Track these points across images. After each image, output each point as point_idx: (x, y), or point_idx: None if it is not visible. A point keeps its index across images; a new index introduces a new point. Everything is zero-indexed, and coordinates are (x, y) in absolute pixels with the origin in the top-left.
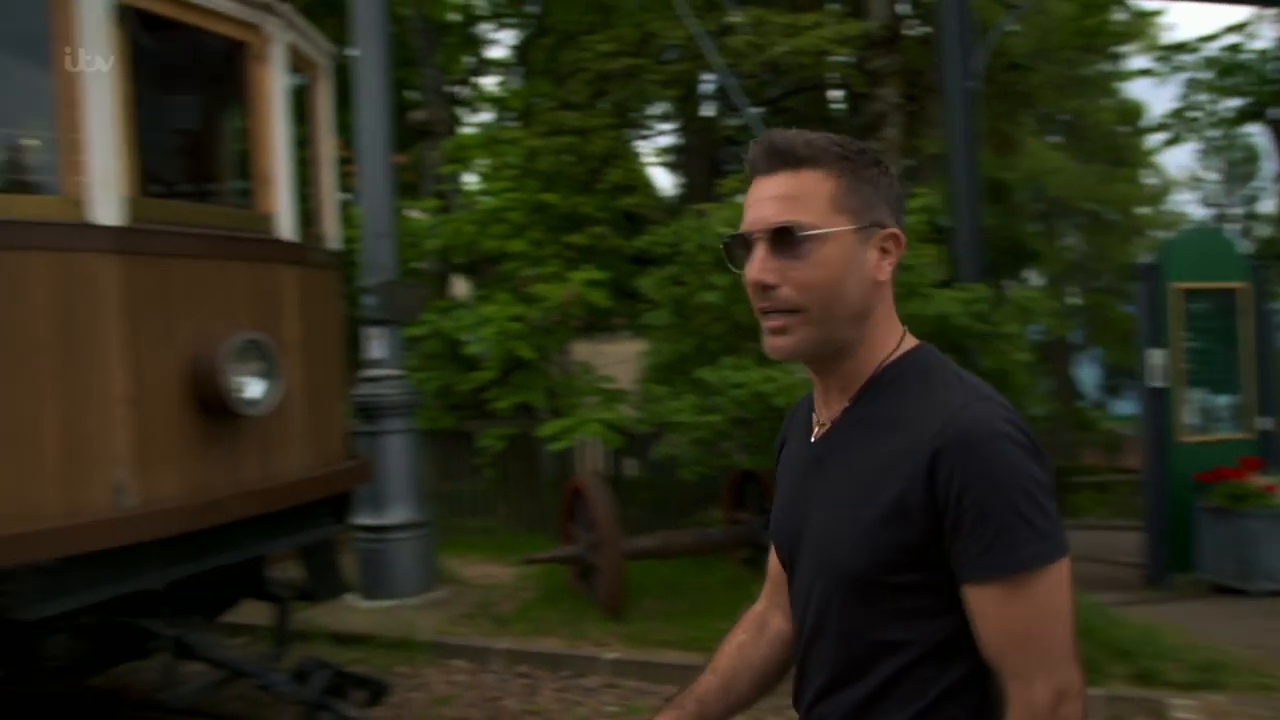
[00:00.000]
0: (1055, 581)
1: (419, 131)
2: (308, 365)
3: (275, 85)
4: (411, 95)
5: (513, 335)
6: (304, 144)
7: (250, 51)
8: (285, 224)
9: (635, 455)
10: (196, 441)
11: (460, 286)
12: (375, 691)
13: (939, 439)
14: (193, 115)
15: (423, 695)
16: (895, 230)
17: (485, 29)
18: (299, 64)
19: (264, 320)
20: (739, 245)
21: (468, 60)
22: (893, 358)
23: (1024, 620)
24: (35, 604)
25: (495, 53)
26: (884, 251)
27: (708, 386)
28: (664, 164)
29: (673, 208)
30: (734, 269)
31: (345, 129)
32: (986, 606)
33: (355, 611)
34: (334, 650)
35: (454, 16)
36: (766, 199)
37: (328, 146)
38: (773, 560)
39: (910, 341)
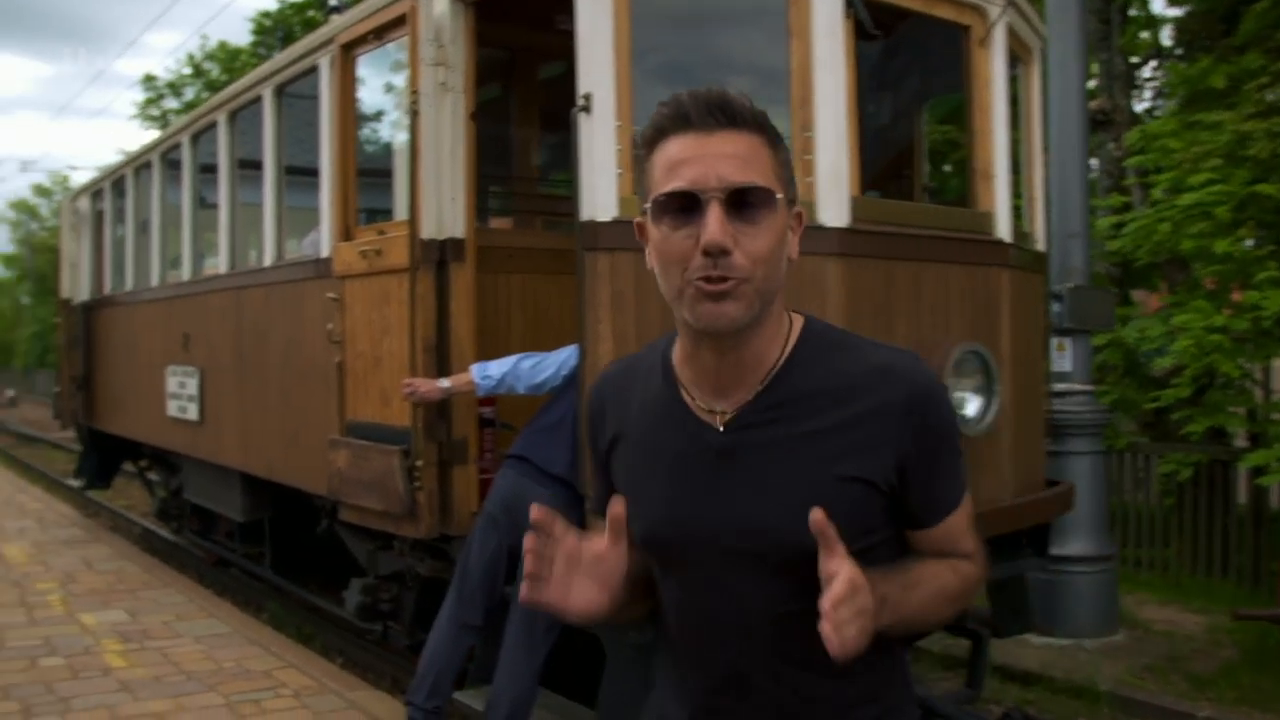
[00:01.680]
0: None
1: (1096, 122)
2: (1015, 380)
3: (997, 73)
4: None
5: (1213, 349)
6: (1013, 136)
7: (972, 36)
8: (1003, 224)
9: None
10: None
11: (1142, 293)
12: None
13: (909, 398)
14: (899, 107)
15: None
16: (801, 209)
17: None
18: (1014, 48)
19: (980, 330)
20: (673, 205)
21: (1144, 38)
22: (795, 335)
23: (969, 519)
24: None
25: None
26: (793, 229)
27: None
28: None
29: None
30: (660, 228)
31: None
32: (958, 522)
33: (1026, 647)
34: (1000, 687)
35: None
36: (716, 156)
37: (1038, 139)
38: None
39: (796, 317)
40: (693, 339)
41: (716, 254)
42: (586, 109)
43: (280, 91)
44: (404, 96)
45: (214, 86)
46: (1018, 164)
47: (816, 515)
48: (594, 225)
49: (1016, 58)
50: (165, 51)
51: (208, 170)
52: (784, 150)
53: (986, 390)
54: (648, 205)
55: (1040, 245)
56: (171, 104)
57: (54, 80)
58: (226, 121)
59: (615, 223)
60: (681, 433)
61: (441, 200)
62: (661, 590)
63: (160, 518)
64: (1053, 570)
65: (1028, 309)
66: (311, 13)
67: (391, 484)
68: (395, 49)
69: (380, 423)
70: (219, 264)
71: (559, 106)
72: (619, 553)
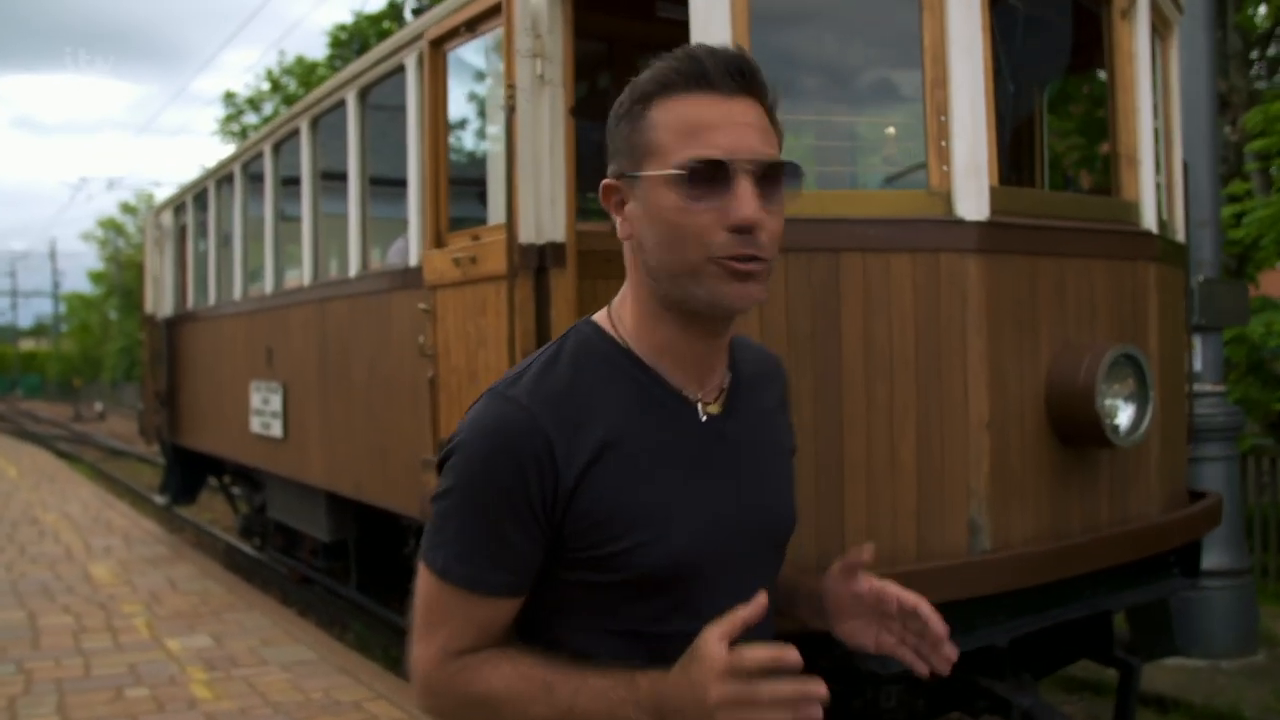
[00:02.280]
0: None
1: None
2: (1162, 384)
3: (1141, 47)
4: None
5: None
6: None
7: (1115, 7)
8: (1149, 213)
9: None
10: (1052, 475)
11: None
12: None
13: (780, 377)
14: (1020, 88)
15: None
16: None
17: None
18: (1154, 21)
19: (1126, 330)
20: (700, 174)
21: (1260, 15)
22: None
23: None
24: (886, 657)
25: None
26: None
27: None
28: None
29: None
30: (675, 195)
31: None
32: None
33: (1159, 669)
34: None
35: None
36: (744, 125)
37: (1178, 120)
38: (503, 621)
39: None
40: (682, 322)
41: (748, 232)
42: None
43: (364, 94)
44: (498, 92)
45: (291, 100)
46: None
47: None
48: None
49: (1155, 31)
50: (242, 68)
51: (290, 181)
52: (778, 123)
53: (1141, 398)
54: (641, 171)
55: (1180, 235)
56: (251, 119)
57: (138, 100)
58: (309, 128)
59: None
60: (685, 432)
61: (540, 202)
62: (616, 627)
63: (244, 534)
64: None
65: (1172, 305)
66: (387, 24)
67: None
68: (488, 42)
69: None
70: (302, 276)
71: None
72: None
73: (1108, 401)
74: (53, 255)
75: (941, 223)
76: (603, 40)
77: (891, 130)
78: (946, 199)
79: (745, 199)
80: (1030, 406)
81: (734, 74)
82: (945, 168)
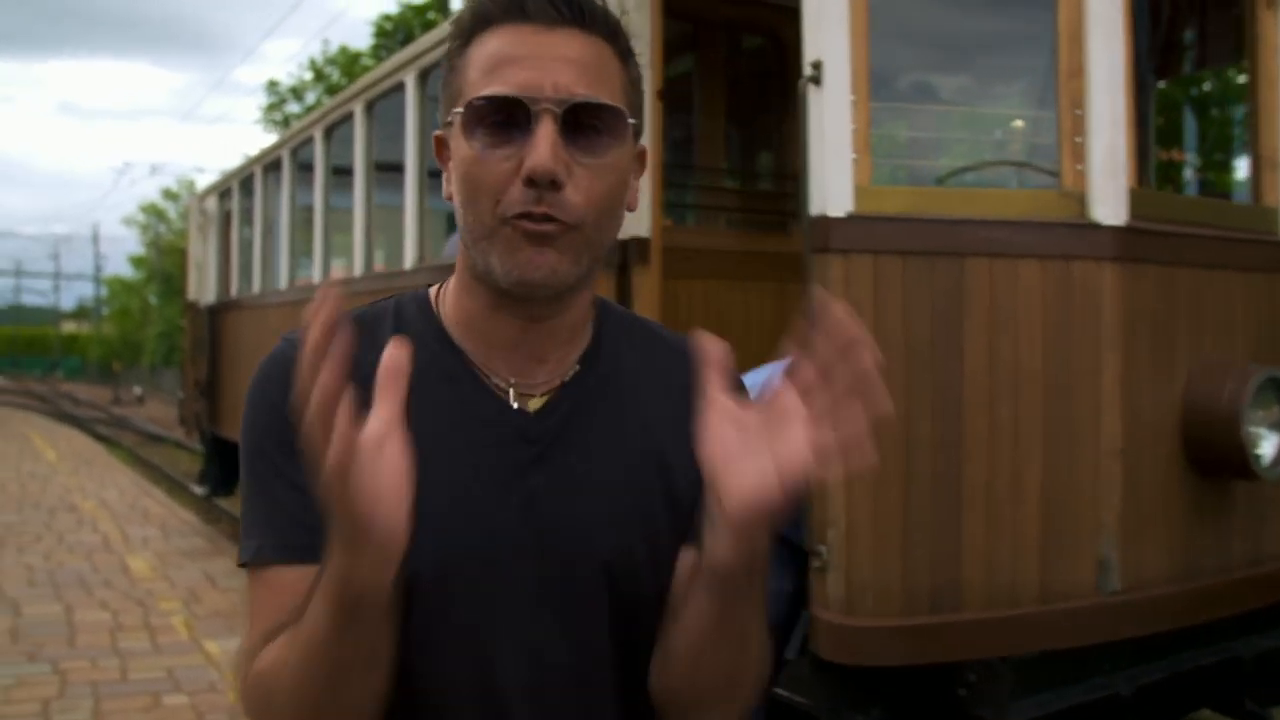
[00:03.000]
0: None
1: None
2: None
3: None
4: None
5: None
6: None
7: None
8: None
9: None
10: (1185, 508)
11: None
12: None
13: (687, 383)
14: (1140, 81)
15: None
16: (645, 148)
17: None
18: None
19: (1264, 349)
20: (490, 114)
21: None
22: (595, 300)
23: None
24: (1004, 705)
25: None
26: (634, 173)
27: None
28: None
29: None
30: (471, 144)
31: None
32: None
33: None
34: None
35: None
36: (556, 60)
37: None
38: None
39: None
40: (491, 298)
41: (544, 185)
42: (816, 79)
43: (425, 76)
44: None
45: (334, 90)
46: None
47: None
48: (825, 222)
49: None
50: (284, 59)
51: (341, 170)
52: (636, 68)
53: None
54: (452, 115)
55: None
56: (293, 108)
57: (179, 88)
58: (363, 113)
59: (851, 219)
60: (475, 418)
61: None
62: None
63: None
64: None
65: None
66: (431, 15)
67: None
68: None
69: None
70: (353, 265)
71: (750, 88)
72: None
73: (1252, 429)
74: (95, 239)
75: (1075, 227)
76: (687, 20)
77: (1019, 123)
78: (1080, 201)
79: (540, 144)
80: (1165, 432)
81: (554, 1)
82: (1080, 166)
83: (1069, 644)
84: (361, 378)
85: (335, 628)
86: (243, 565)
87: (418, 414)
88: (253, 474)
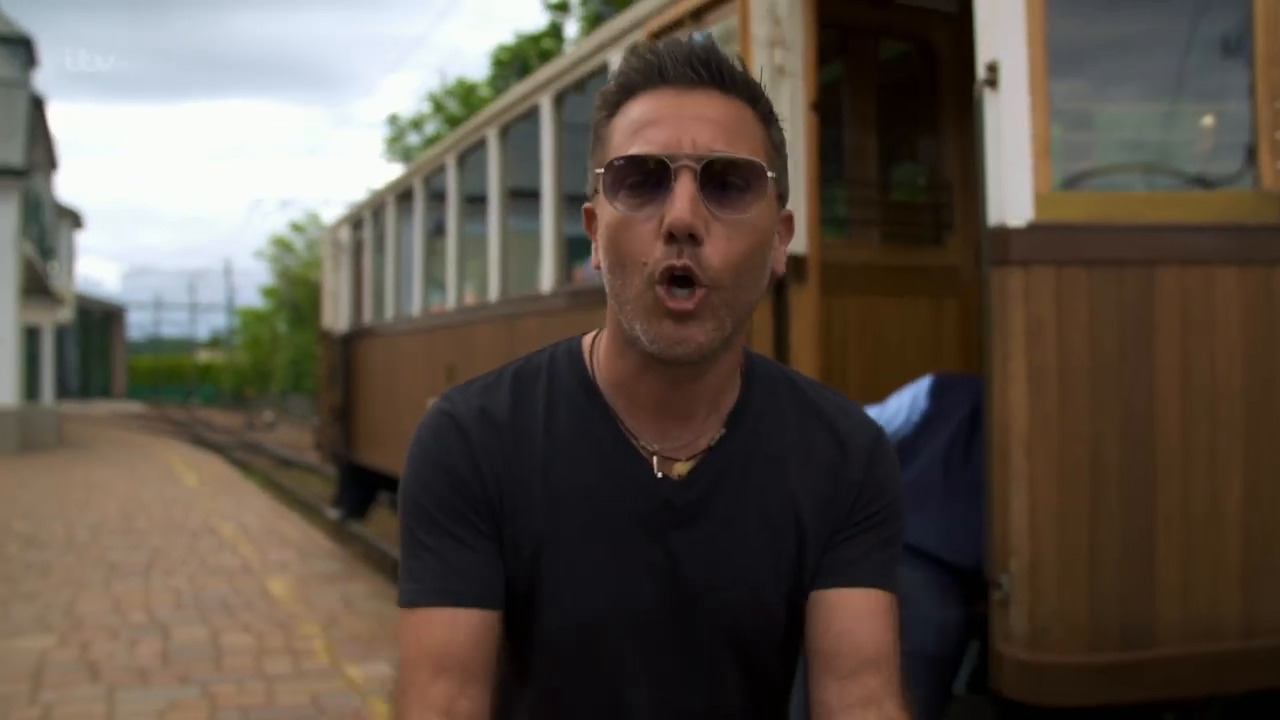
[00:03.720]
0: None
1: None
2: None
3: None
4: None
5: None
6: None
7: None
8: None
9: None
10: None
11: None
12: None
13: (866, 453)
14: None
15: None
16: (791, 212)
17: None
18: None
19: None
20: (632, 174)
21: None
22: (744, 352)
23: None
24: None
25: None
26: (780, 236)
27: None
28: None
29: None
30: (615, 206)
31: None
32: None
33: None
34: None
35: None
36: (693, 119)
37: None
38: (472, 642)
39: None
40: (640, 360)
41: (684, 239)
42: (992, 82)
43: (560, 99)
44: None
45: (453, 121)
46: None
47: None
48: (1004, 233)
49: None
50: (402, 93)
51: (475, 199)
52: (779, 131)
53: None
54: (598, 181)
55: None
56: (413, 139)
57: (303, 124)
58: (497, 137)
59: (1031, 229)
60: (627, 482)
61: None
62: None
63: None
64: None
65: None
66: (547, 43)
67: None
68: (717, 33)
69: None
70: (489, 290)
71: (898, 96)
72: None
73: None
74: (227, 271)
75: (1276, 230)
76: (835, 27)
77: (1209, 120)
78: (1276, 200)
79: (679, 199)
80: None
81: (694, 65)
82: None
83: (1275, 684)
84: (526, 436)
85: None
86: (401, 607)
87: (569, 472)
88: (412, 526)
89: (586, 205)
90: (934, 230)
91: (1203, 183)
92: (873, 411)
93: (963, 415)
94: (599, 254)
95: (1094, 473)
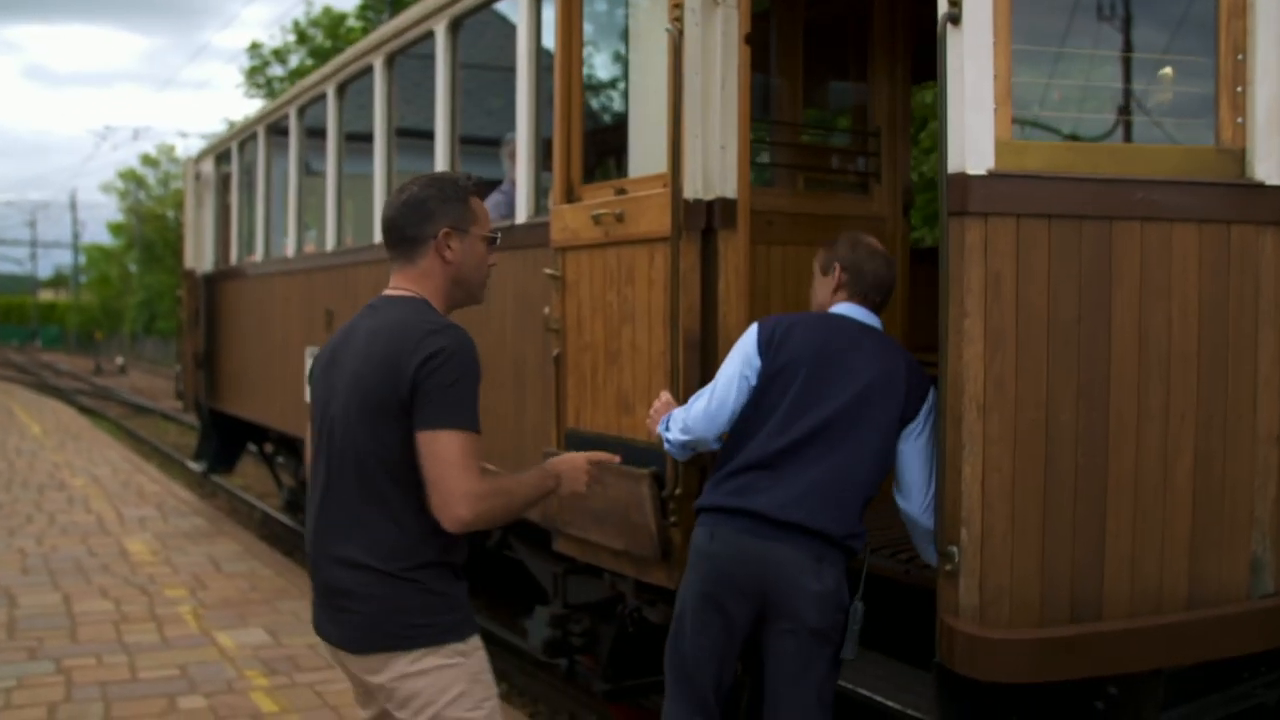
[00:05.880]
0: None
1: None
2: None
3: None
4: None
5: None
6: None
7: None
8: None
9: None
10: None
11: None
12: None
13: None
14: None
15: None
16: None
17: None
18: None
19: None
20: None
21: None
22: None
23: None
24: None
25: None
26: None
27: None
28: None
29: None
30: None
31: None
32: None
33: None
34: None
35: None
36: None
37: None
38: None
39: None
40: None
41: None
42: (955, 18)
43: (456, 26)
44: (653, 13)
45: (320, 54)
46: None
47: None
48: (963, 180)
49: None
50: (262, 24)
51: (358, 134)
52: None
53: None
54: (470, 230)
55: None
56: (277, 71)
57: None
58: (383, 67)
59: (992, 176)
60: None
61: (709, 148)
62: None
63: (288, 508)
64: None
65: None
66: None
67: (638, 518)
68: None
69: (617, 436)
70: (374, 232)
71: (829, 36)
72: None
73: None
74: (73, 206)
75: (1235, 187)
76: None
77: (1168, 70)
78: (1240, 158)
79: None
80: None
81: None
82: (1240, 120)
83: (1219, 655)
84: None
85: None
86: (474, 431)
87: None
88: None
89: (445, 229)
90: (860, 178)
91: (1164, 134)
92: (699, 403)
93: (807, 368)
94: (455, 255)
95: (1049, 439)
